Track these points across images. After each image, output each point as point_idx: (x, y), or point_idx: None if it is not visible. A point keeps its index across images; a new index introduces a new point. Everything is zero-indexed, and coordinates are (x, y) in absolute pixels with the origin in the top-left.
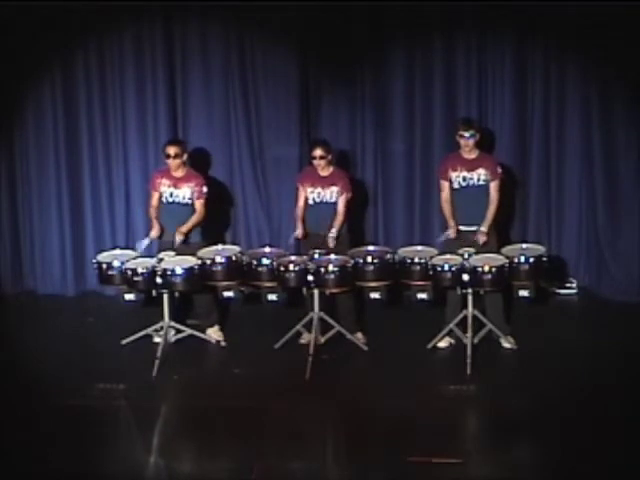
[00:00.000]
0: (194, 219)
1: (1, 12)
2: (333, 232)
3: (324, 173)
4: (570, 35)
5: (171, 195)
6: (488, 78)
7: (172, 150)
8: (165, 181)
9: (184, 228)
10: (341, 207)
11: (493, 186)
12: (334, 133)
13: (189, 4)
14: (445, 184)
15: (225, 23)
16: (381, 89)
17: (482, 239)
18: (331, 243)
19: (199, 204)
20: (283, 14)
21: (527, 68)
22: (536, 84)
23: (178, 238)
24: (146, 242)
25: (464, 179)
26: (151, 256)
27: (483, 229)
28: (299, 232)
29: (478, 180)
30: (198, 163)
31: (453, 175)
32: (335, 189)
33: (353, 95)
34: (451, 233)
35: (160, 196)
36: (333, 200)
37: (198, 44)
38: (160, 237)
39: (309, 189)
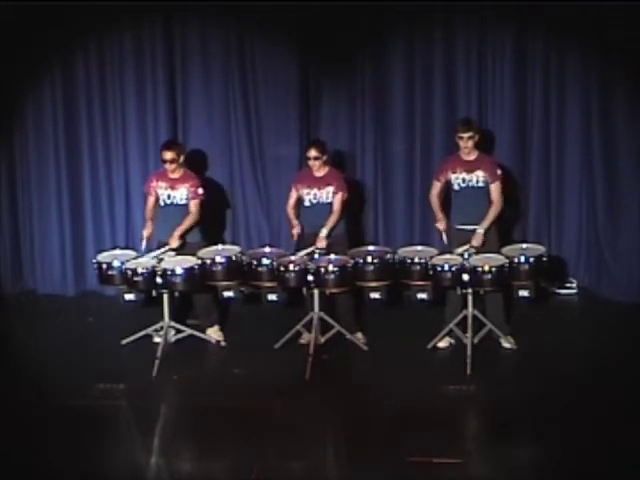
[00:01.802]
0: (187, 221)
1: (1, 12)
2: (324, 231)
3: (319, 174)
4: (570, 24)
5: (168, 197)
6: (488, 68)
7: (168, 155)
8: (161, 184)
9: (177, 232)
10: (336, 206)
11: (493, 188)
12: (334, 133)
13: (189, 4)
14: (437, 184)
15: (225, 23)
16: (381, 88)
17: (477, 242)
18: (319, 243)
19: (193, 204)
20: (283, 14)
21: (527, 58)
22: (536, 75)
23: (173, 243)
24: (144, 243)
25: (463, 180)
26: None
27: (480, 231)
28: (296, 230)
29: (477, 182)
30: (198, 163)
31: (452, 177)
32: (331, 189)
33: (353, 95)
34: (440, 226)
35: (157, 199)
36: (329, 201)
37: (198, 44)
38: (149, 237)
39: (305, 190)
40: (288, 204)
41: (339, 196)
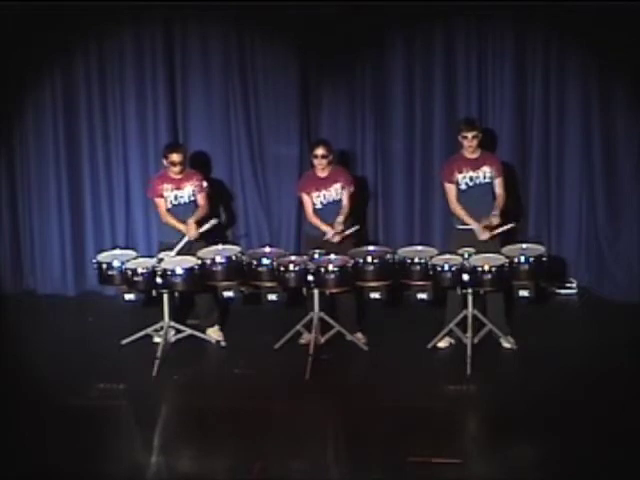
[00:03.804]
0: (199, 212)
1: (1, 13)
2: (340, 219)
3: (324, 174)
4: (570, 24)
5: (175, 198)
6: (488, 68)
7: (177, 158)
8: (167, 186)
9: (192, 220)
10: (345, 201)
11: (498, 182)
12: (334, 133)
13: (189, 4)
14: (451, 187)
15: (225, 23)
16: (381, 88)
17: (495, 221)
18: (336, 238)
19: (201, 197)
20: (283, 14)
21: (527, 58)
22: (536, 75)
23: (192, 232)
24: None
25: (471, 179)
26: (151, 256)
27: (496, 213)
28: (331, 232)
29: (484, 178)
30: (198, 163)
31: (459, 177)
32: (338, 185)
33: (353, 94)
34: (483, 235)
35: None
36: (339, 197)
37: (198, 44)
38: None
39: (314, 194)
40: (307, 213)
41: (347, 191)
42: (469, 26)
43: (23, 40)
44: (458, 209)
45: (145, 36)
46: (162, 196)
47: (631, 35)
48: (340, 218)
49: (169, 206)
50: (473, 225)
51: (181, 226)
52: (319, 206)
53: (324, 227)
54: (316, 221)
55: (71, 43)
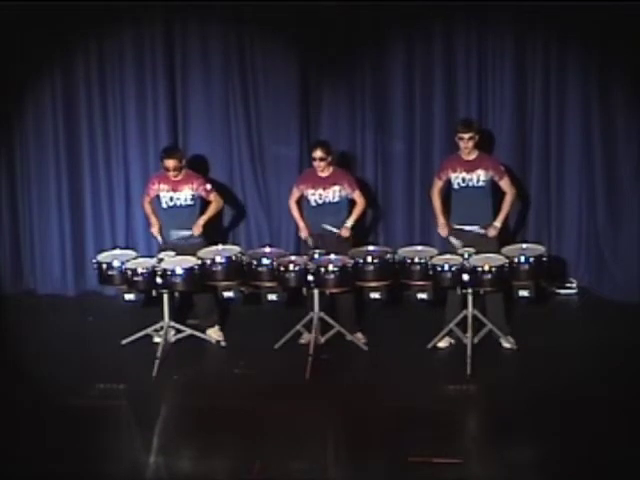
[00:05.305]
0: (213, 209)
1: (1, 13)
2: (349, 222)
3: (324, 174)
4: (570, 24)
5: (171, 199)
6: (488, 68)
7: (171, 164)
8: (163, 186)
9: (202, 220)
10: (359, 199)
11: (504, 183)
12: (334, 133)
13: (189, 4)
14: (438, 182)
15: (225, 23)
16: (381, 88)
17: (493, 233)
18: (344, 232)
19: (213, 197)
20: (283, 14)
21: (527, 58)
22: (536, 75)
23: (197, 231)
24: (159, 237)
25: (463, 180)
26: (151, 256)
27: (497, 224)
28: (305, 233)
29: (477, 181)
30: (198, 164)
31: (452, 176)
32: (337, 188)
33: (353, 94)
34: (441, 231)
35: (157, 199)
36: (336, 200)
37: (198, 44)
38: (161, 232)
39: (310, 191)
40: (289, 203)
41: (357, 192)
42: (469, 26)
43: (23, 40)
44: (435, 202)
45: (145, 36)
46: (150, 195)
47: (631, 35)
48: (349, 222)
49: (164, 207)
50: (439, 219)
51: (153, 219)
52: (313, 204)
53: (299, 222)
54: (295, 214)
55: (71, 43)
